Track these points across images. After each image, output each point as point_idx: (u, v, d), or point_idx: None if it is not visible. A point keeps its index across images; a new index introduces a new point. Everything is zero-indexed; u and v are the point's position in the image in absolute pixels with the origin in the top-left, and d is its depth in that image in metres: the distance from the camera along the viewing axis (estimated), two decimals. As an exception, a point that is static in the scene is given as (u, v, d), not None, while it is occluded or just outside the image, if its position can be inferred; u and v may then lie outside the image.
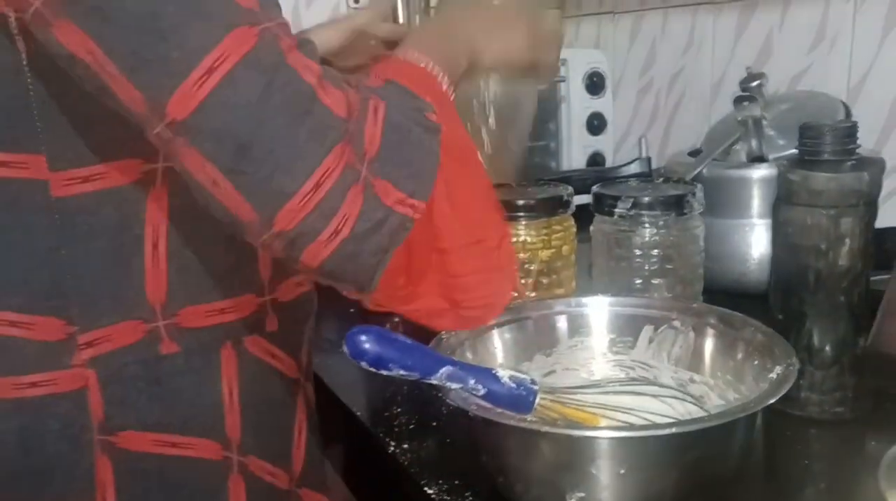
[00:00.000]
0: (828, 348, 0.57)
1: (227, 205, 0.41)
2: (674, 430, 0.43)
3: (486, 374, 0.48)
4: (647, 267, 0.68)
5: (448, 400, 0.48)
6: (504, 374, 0.48)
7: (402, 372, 0.46)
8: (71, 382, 0.46)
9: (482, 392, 0.47)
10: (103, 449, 0.47)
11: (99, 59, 0.38)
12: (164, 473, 0.48)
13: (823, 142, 0.56)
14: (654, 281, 0.68)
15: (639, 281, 0.68)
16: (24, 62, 0.42)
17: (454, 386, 0.47)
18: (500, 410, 0.47)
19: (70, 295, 0.46)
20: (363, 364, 0.45)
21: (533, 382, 0.49)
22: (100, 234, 0.45)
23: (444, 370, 0.47)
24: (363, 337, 0.45)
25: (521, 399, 0.48)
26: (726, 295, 0.73)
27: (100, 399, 0.46)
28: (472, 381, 0.47)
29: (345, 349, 0.45)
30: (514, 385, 0.48)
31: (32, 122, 0.43)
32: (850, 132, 0.57)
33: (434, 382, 0.47)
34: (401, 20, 1.24)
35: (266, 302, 0.53)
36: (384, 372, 0.46)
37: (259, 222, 0.41)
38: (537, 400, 0.48)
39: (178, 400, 0.48)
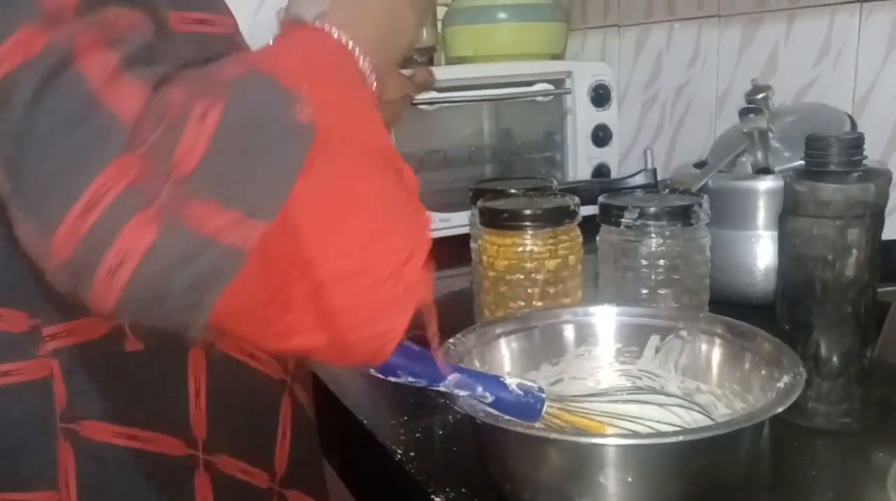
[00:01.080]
0: (835, 359, 0.57)
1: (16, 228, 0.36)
2: (680, 438, 0.43)
3: (494, 382, 0.48)
4: (653, 277, 0.68)
5: (456, 407, 0.48)
6: (512, 382, 0.48)
7: (410, 379, 0.46)
8: (35, 371, 0.47)
9: (490, 399, 0.48)
10: (66, 437, 0.48)
11: None
12: (125, 464, 0.49)
13: (830, 153, 0.57)
14: (661, 292, 0.68)
15: (645, 291, 0.68)
16: None
17: (462, 393, 0.47)
18: (507, 418, 0.47)
19: (30, 290, 0.46)
20: (371, 370, 0.46)
21: (540, 390, 0.49)
22: None
23: (452, 377, 0.47)
24: None
25: (528, 406, 0.48)
26: (733, 306, 0.72)
27: (63, 388, 0.47)
28: (479, 389, 0.47)
29: None
30: (521, 392, 0.48)
31: None
32: (857, 143, 0.57)
33: (442, 389, 0.47)
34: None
35: None
36: (392, 379, 0.46)
37: (40, 253, 0.35)
38: (545, 408, 0.48)
39: (140, 395, 0.49)
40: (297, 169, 0.36)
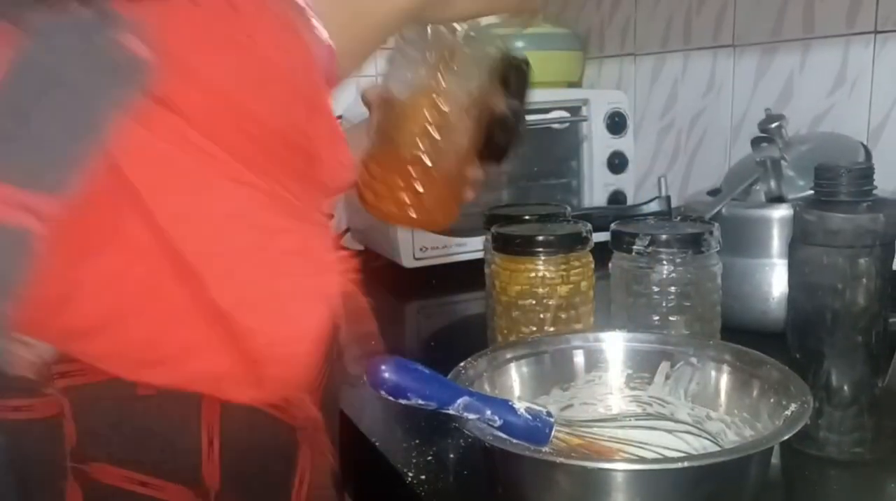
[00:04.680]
0: (846, 388, 0.57)
1: None
2: (686, 464, 0.43)
3: (503, 406, 0.49)
4: (664, 304, 0.68)
5: (465, 431, 0.49)
6: (521, 406, 0.49)
7: (420, 402, 0.47)
8: (46, 409, 0.46)
9: (499, 423, 0.48)
10: (75, 477, 0.46)
11: None
12: None
13: (839, 183, 0.57)
14: (672, 319, 0.68)
15: (657, 318, 0.69)
16: None
17: (471, 416, 0.48)
18: (516, 441, 0.48)
19: None
20: (383, 393, 0.47)
21: (549, 414, 0.50)
22: None
23: (462, 400, 0.48)
24: (383, 367, 0.46)
25: (537, 430, 0.49)
26: (747, 334, 0.73)
27: (73, 427, 0.46)
28: (488, 412, 0.48)
29: (364, 378, 0.47)
30: (530, 416, 0.49)
31: None
32: (866, 173, 0.58)
33: (451, 412, 0.48)
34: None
35: None
36: (403, 401, 0.47)
37: None
38: (553, 433, 0.49)
39: (150, 441, 0.47)
40: (104, 123, 0.27)
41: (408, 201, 0.52)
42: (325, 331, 0.31)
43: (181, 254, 0.28)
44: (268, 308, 0.30)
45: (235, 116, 0.30)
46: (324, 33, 0.34)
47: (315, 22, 0.33)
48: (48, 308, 0.28)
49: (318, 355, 0.31)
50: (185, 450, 0.48)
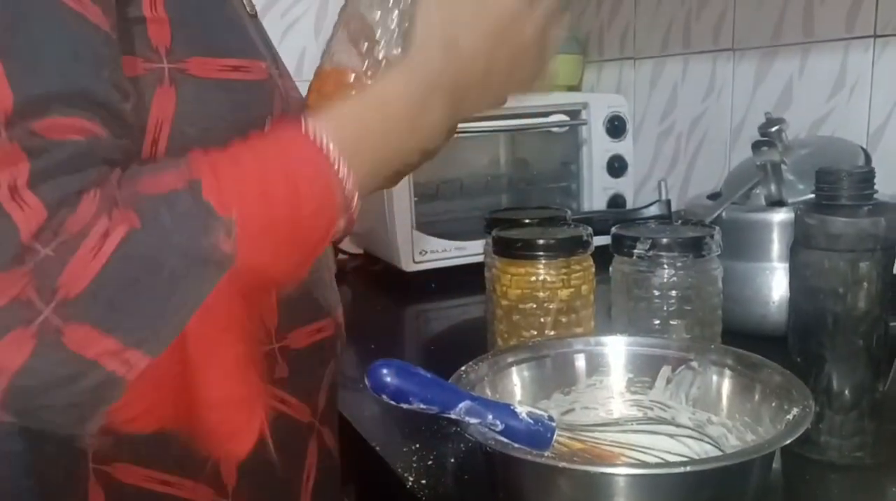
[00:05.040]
0: (847, 392, 0.57)
1: None
2: (688, 469, 0.43)
3: (505, 410, 0.49)
4: (665, 308, 0.68)
5: (467, 435, 0.49)
6: (522, 410, 0.49)
7: (421, 406, 0.47)
8: None
9: (500, 427, 0.48)
10: (98, 478, 0.47)
11: None
12: None
13: (840, 186, 0.57)
14: (673, 322, 0.68)
15: (657, 322, 0.69)
16: None
17: (473, 420, 0.48)
18: (517, 446, 0.48)
19: None
20: (384, 397, 0.46)
21: (551, 419, 0.50)
22: None
23: (463, 405, 0.48)
24: (385, 371, 0.46)
25: (539, 435, 0.49)
26: (748, 338, 0.73)
27: None
28: (490, 416, 0.48)
29: (366, 382, 0.47)
30: (531, 421, 0.49)
31: None
32: (867, 177, 0.58)
33: (453, 416, 0.48)
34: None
35: (274, 350, 0.52)
36: (405, 406, 0.47)
37: None
38: (555, 437, 0.49)
39: (171, 441, 0.47)
40: (195, 304, 0.36)
41: None
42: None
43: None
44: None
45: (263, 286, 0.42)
46: (353, 201, 0.43)
47: (349, 197, 0.42)
48: (117, 417, 0.38)
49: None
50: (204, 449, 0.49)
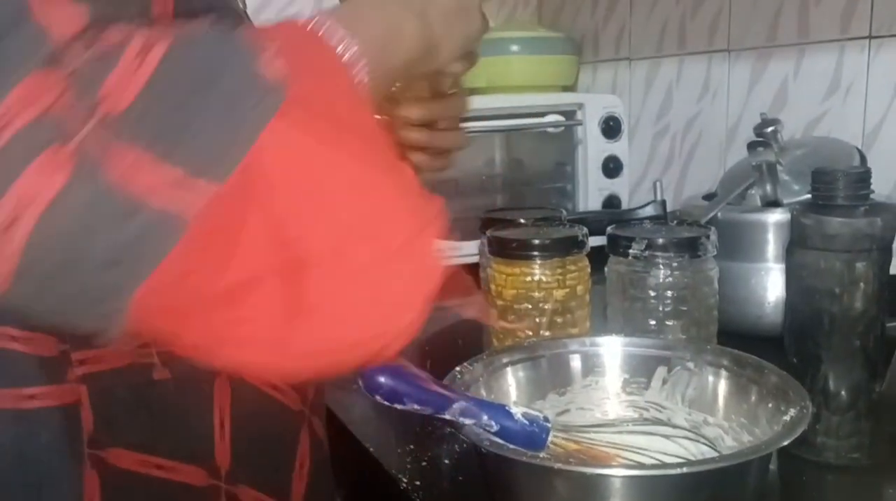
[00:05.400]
0: (843, 393, 0.57)
1: None
2: (685, 470, 0.43)
3: (500, 411, 0.48)
4: (661, 309, 0.68)
5: (461, 436, 0.48)
6: (517, 411, 0.49)
7: (416, 407, 0.46)
8: (64, 396, 0.46)
9: (495, 428, 0.48)
10: (93, 464, 0.47)
11: None
12: (150, 493, 0.48)
13: (836, 187, 0.57)
14: (669, 323, 0.68)
15: (653, 323, 0.68)
16: None
17: (467, 421, 0.48)
18: (512, 447, 0.47)
19: None
20: (378, 397, 0.46)
21: (546, 420, 0.49)
22: None
23: (458, 405, 0.47)
24: (378, 371, 0.46)
25: (534, 436, 0.48)
26: (743, 339, 0.72)
27: (91, 415, 0.47)
28: (485, 417, 0.47)
29: (359, 383, 0.46)
30: (527, 422, 0.48)
31: None
32: (863, 177, 0.57)
33: (447, 417, 0.47)
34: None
35: None
36: (398, 407, 0.46)
37: None
38: (550, 438, 0.49)
39: (166, 425, 0.48)
40: (261, 123, 0.29)
41: None
42: (412, 332, 0.34)
43: (289, 241, 0.30)
44: (352, 309, 0.32)
45: (337, 117, 0.33)
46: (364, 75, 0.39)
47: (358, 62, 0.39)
48: (163, 288, 0.29)
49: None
50: (199, 431, 0.49)
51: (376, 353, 0.34)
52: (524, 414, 0.48)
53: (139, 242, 0.28)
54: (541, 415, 0.49)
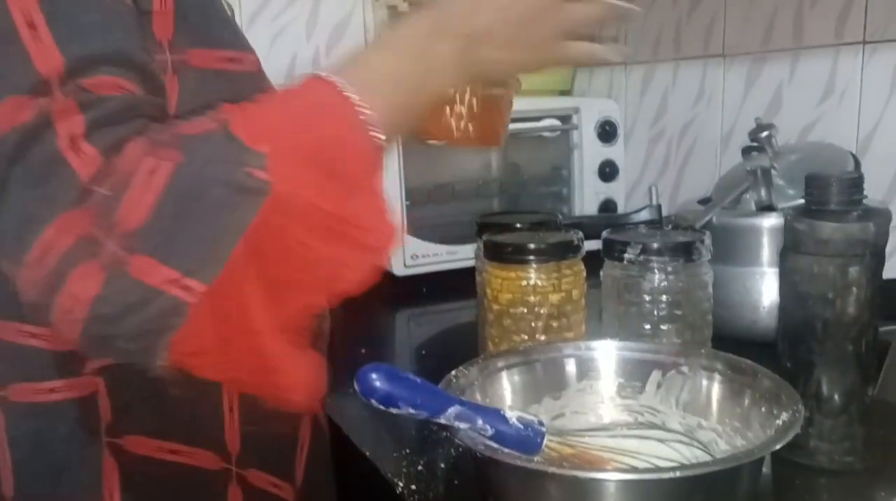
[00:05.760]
0: (836, 397, 0.57)
1: None
2: (678, 474, 0.43)
3: (495, 415, 0.49)
4: (656, 313, 0.68)
5: (457, 440, 0.48)
6: (512, 415, 0.49)
7: (411, 411, 0.47)
8: (83, 388, 0.50)
9: (490, 432, 0.48)
10: (111, 451, 0.51)
11: None
12: (166, 478, 0.52)
13: (829, 192, 0.57)
14: (664, 327, 0.68)
15: (648, 327, 0.69)
16: None
17: (462, 425, 0.48)
18: (507, 451, 0.48)
19: None
20: (373, 401, 0.46)
21: (541, 424, 0.50)
22: None
23: (453, 410, 0.48)
24: (374, 375, 0.46)
25: (528, 440, 0.49)
26: (737, 343, 0.73)
27: (108, 404, 0.50)
28: (480, 421, 0.48)
29: (355, 387, 0.46)
30: (521, 426, 0.49)
31: None
32: (856, 183, 0.58)
33: (443, 421, 0.48)
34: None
35: None
36: (394, 410, 0.47)
37: (18, 289, 0.40)
38: (545, 442, 0.49)
39: (178, 412, 0.52)
40: (239, 231, 0.38)
41: (454, 125, 0.58)
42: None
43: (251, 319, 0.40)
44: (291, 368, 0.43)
45: (315, 213, 0.41)
46: (379, 134, 0.44)
47: (373, 129, 0.44)
48: (182, 347, 0.39)
49: None
50: (209, 417, 0.53)
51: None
52: (519, 419, 0.49)
53: (158, 319, 0.38)
54: (536, 420, 0.50)
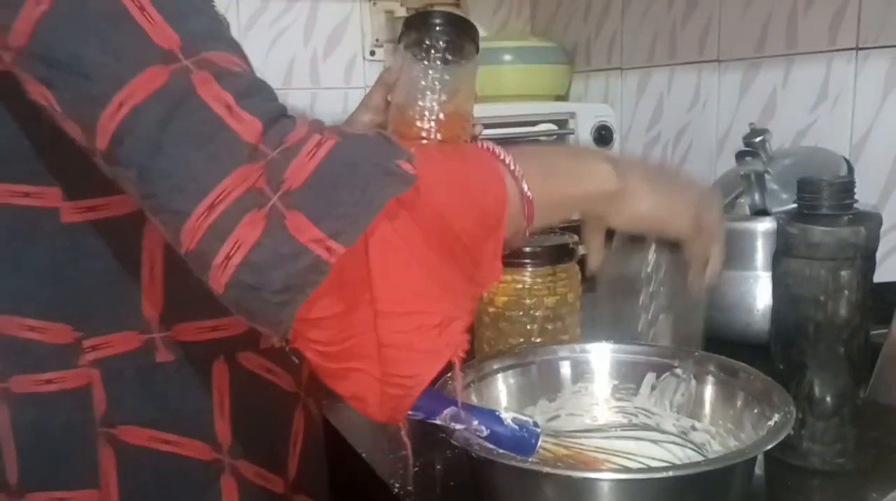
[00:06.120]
0: (828, 399, 0.58)
1: (157, 226, 0.43)
2: (670, 474, 0.44)
3: (490, 416, 0.49)
4: (648, 302, 0.67)
5: (452, 441, 0.49)
6: (507, 416, 0.49)
7: (407, 412, 0.47)
8: (78, 379, 0.51)
9: (485, 433, 0.48)
10: (107, 441, 0.52)
11: (51, 102, 0.43)
12: (159, 467, 0.53)
13: (821, 196, 0.58)
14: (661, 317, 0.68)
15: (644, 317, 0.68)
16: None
17: (458, 426, 0.48)
18: (502, 452, 0.48)
19: (74, 307, 0.51)
20: None
21: (535, 425, 0.50)
22: (100, 256, 0.51)
23: (448, 411, 0.48)
24: None
25: (524, 441, 0.49)
26: (732, 346, 0.73)
27: (103, 395, 0.52)
28: (475, 422, 0.48)
29: None
30: (516, 427, 0.49)
31: (50, 158, 0.49)
32: (847, 187, 0.59)
33: (438, 422, 0.48)
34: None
35: None
36: None
37: (173, 242, 0.42)
38: (539, 443, 0.49)
39: (169, 403, 0.53)
40: (380, 205, 0.41)
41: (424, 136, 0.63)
42: (434, 375, 0.44)
43: (375, 296, 0.42)
44: (404, 353, 0.43)
45: (442, 227, 0.44)
46: (527, 188, 0.48)
47: (523, 181, 0.48)
48: (309, 311, 0.41)
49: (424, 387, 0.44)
50: (201, 409, 0.54)
51: (406, 392, 0.44)
52: (514, 420, 0.49)
53: (302, 275, 0.40)
54: (531, 420, 0.50)
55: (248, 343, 0.55)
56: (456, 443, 0.49)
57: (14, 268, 0.51)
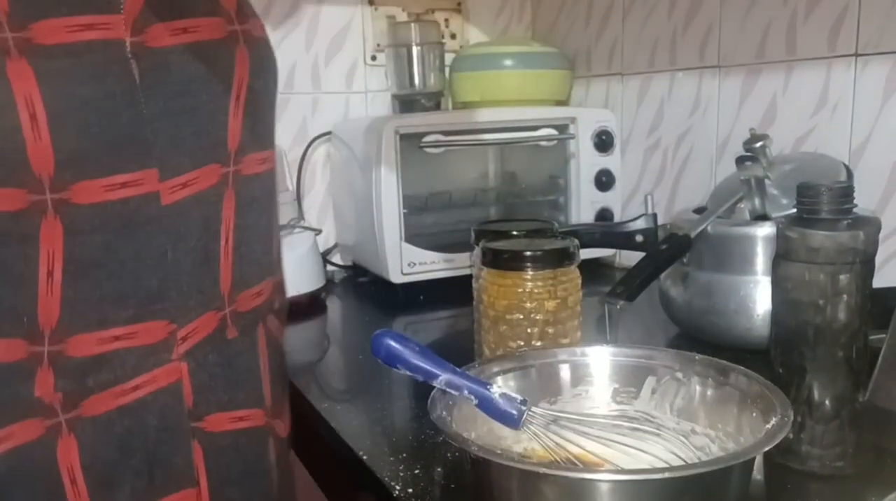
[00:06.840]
0: (827, 403, 0.58)
1: None
2: (668, 475, 0.44)
3: (480, 386, 0.53)
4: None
5: (450, 442, 0.49)
6: (496, 390, 0.53)
7: (408, 372, 0.52)
8: (168, 376, 0.49)
9: (475, 401, 0.53)
10: (195, 436, 0.51)
11: None
12: (237, 446, 0.54)
13: (820, 201, 0.58)
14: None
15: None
16: (138, 83, 0.45)
17: (451, 391, 0.53)
18: (499, 451, 0.48)
19: (171, 296, 0.49)
20: (379, 359, 0.53)
21: (523, 402, 0.53)
22: (192, 234, 0.49)
23: (445, 376, 0.53)
24: (384, 339, 0.53)
25: (507, 414, 0.53)
26: (733, 350, 0.74)
27: (189, 388, 0.51)
28: (465, 391, 0.53)
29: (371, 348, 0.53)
30: (504, 400, 0.53)
31: (146, 139, 0.46)
32: (847, 192, 0.59)
33: (434, 385, 0.53)
34: (416, 78, 1.29)
35: (279, 282, 0.59)
36: (394, 369, 0.53)
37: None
38: (526, 416, 0.52)
39: (239, 377, 0.54)
40: None
41: None
42: None
43: None
44: None
45: None
46: None
47: None
48: None
49: None
50: (258, 377, 0.55)
51: None
52: (501, 395, 0.53)
53: None
54: (519, 398, 0.53)
55: (270, 306, 0.57)
56: (453, 443, 0.49)
57: (109, 276, 0.46)
